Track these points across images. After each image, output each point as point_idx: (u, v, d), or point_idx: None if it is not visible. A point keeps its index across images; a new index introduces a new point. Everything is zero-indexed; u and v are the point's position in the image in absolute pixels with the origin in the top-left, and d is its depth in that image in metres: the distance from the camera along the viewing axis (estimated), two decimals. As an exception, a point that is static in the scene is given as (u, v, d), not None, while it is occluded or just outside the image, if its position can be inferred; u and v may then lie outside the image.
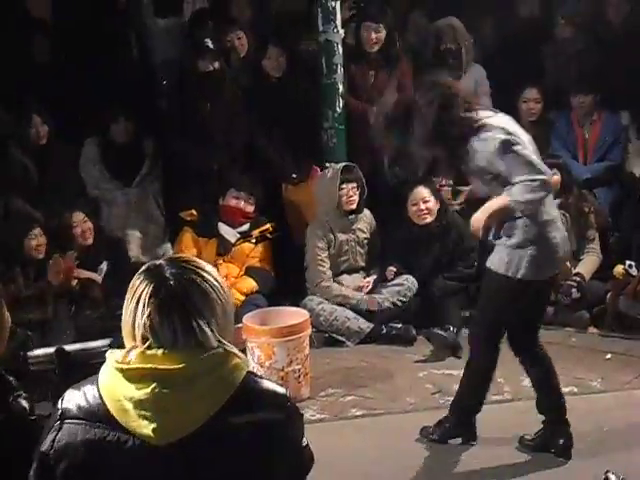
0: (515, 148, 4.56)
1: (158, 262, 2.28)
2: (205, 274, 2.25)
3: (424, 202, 7.03)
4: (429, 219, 7.06)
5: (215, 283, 2.25)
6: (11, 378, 2.57)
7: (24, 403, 2.56)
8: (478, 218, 4.77)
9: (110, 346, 2.56)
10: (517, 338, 5.00)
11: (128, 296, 2.24)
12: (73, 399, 2.21)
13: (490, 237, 4.80)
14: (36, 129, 7.29)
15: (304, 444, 2.30)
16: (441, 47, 7.63)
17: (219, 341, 2.21)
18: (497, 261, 4.76)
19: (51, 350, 2.68)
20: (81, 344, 2.71)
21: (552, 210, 4.81)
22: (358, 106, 7.59)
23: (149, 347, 2.18)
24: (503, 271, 4.72)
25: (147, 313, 2.18)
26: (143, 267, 2.28)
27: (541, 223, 4.69)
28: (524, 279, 4.70)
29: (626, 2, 8.17)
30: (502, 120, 4.75)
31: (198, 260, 2.32)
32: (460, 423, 5.16)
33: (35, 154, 7.32)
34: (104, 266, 6.77)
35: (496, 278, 4.78)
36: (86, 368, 2.37)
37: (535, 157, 4.62)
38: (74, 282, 6.61)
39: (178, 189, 7.67)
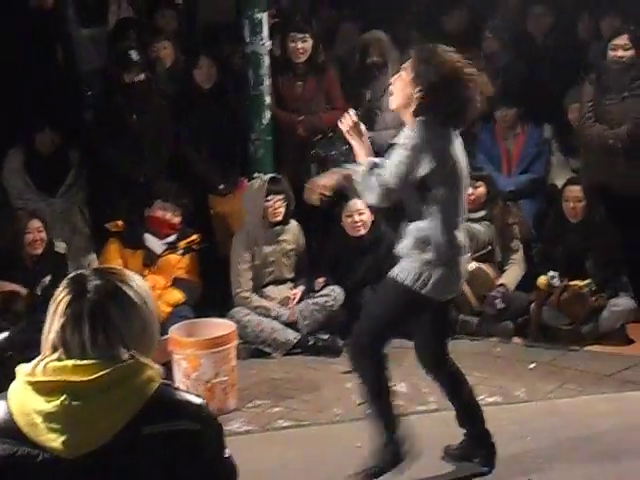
0: (408, 153, 4.50)
1: (83, 272, 2.26)
2: (127, 288, 2.22)
3: (359, 214, 7.06)
4: (363, 231, 7.10)
5: (136, 299, 2.23)
6: None
7: None
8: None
9: (7, 339, 2.51)
10: (424, 357, 5.02)
11: (50, 304, 2.23)
12: None
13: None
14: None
15: (225, 455, 2.26)
16: (367, 60, 7.69)
17: (132, 356, 2.18)
18: (404, 272, 4.71)
19: None
20: None
21: (463, 237, 4.78)
22: (285, 117, 7.61)
23: (59, 359, 2.16)
24: (409, 282, 4.67)
25: (61, 322, 2.18)
26: (69, 276, 2.27)
27: (455, 246, 4.70)
28: (427, 295, 4.69)
29: (547, 17, 8.32)
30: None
31: (126, 272, 2.30)
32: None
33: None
34: (47, 280, 6.65)
35: (397, 288, 4.72)
36: None
37: (406, 173, 4.50)
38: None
39: (104, 200, 7.62)
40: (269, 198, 7.02)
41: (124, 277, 2.26)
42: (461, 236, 4.74)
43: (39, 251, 6.72)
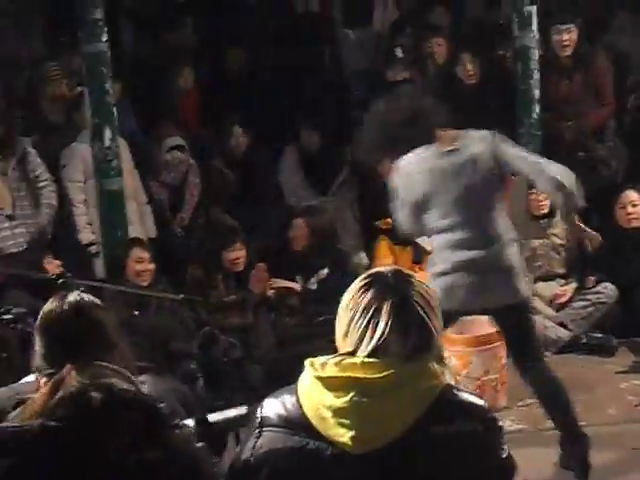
0: None
1: (381, 270, 2.29)
2: (424, 286, 2.27)
3: (633, 205, 6.87)
4: (636, 223, 6.88)
5: (435, 297, 2.27)
6: (162, 405, 2.27)
7: (185, 432, 2.34)
8: None
9: (247, 415, 2.56)
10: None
11: (351, 303, 2.24)
12: (272, 408, 2.24)
13: None
14: (236, 140, 7.49)
15: (504, 455, 2.26)
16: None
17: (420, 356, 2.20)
18: None
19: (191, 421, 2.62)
20: (220, 413, 2.67)
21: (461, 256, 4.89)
22: (551, 123, 7.37)
23: (352, 353, 2.18)
24: None
25: (384, 324, 2.18)
26: (365, 275, 2.29)
27: (445, 260, 4.88)
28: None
29: None
30: None
31: (409, 272, 2.34)
32: None
33: (235, 165, 7.51)
34: (324, 272, 6.84)
35: None
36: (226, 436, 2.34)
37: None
38: (270, 292, 6.70)
39: (373, 198, 7.72)
40: (532, 191, 6.91)
41: (413, 276, 2.30)
42: (456, 256, 4.85)
43: (299, 248, 6.92)
